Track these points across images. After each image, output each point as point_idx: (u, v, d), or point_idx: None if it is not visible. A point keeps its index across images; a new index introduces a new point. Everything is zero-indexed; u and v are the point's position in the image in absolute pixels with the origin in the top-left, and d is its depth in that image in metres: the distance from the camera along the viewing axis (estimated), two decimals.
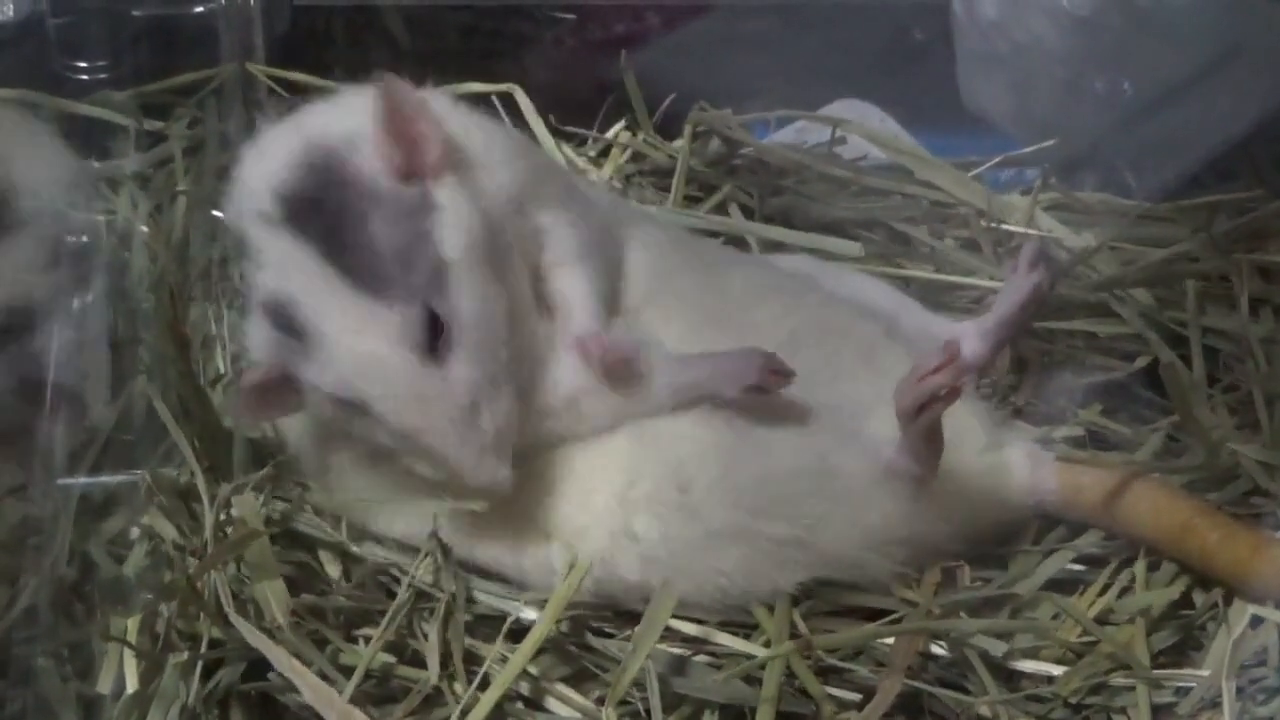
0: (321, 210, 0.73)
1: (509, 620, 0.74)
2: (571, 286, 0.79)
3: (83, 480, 0.80)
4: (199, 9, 1.14)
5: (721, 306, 0.82)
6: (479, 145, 0.78)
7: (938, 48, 1.20)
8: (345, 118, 0.76)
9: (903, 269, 0.98)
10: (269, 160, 0.76)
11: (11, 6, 1.10)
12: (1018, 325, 0.86)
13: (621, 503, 0.75)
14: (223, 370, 0.91)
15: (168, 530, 0.78)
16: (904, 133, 1.16)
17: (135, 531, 0.79)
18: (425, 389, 0.72)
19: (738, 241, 1.00)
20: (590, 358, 0.76)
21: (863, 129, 1.10)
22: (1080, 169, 1.10)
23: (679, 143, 1.09)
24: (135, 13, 1.15)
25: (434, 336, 0.72)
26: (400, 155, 0.74)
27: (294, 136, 0.76)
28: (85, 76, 1.11)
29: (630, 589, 0.75)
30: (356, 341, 0.72)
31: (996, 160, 1.08)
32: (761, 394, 0.75)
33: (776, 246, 0.99)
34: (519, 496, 0.75)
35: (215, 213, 1.02)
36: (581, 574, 0.72)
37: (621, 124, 1.12)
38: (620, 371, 0.76)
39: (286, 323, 0.73)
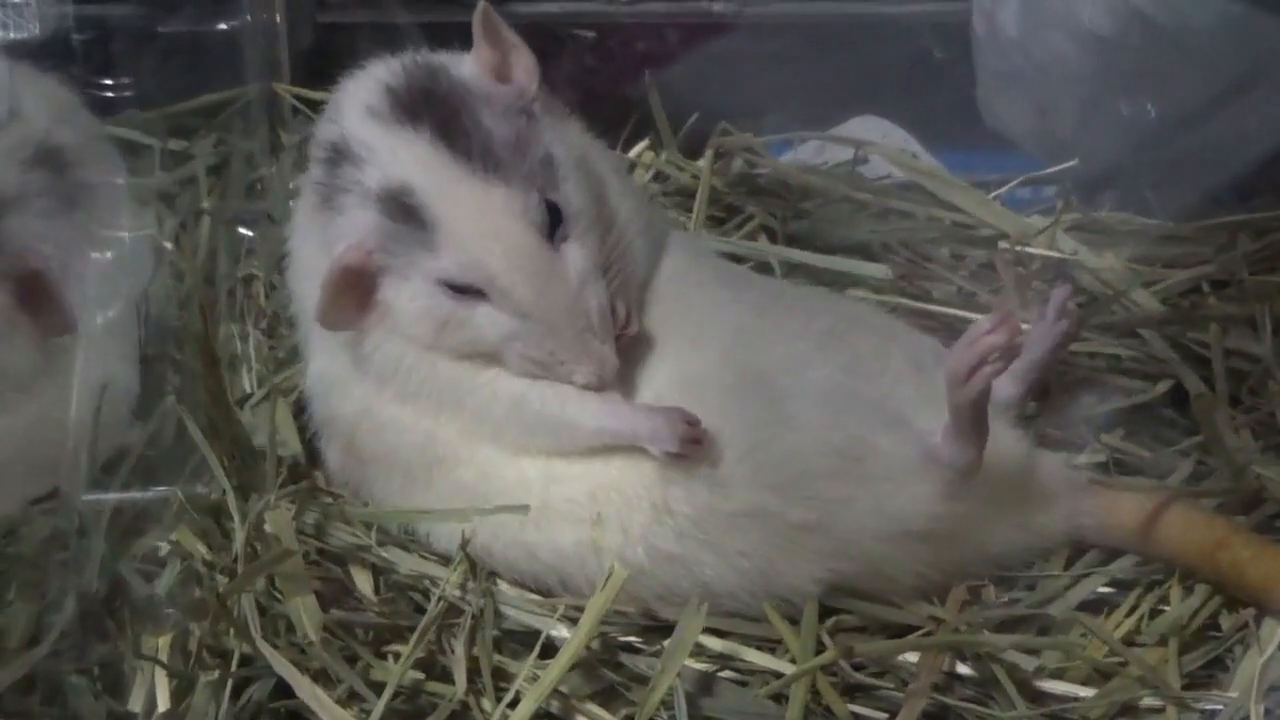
0: (431, 102, 0.78)
1: (541, 637, 0.74)
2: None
3: (113, 497, 0.80)
4: (223, 26, 1.15)
5: (742, 308, 0.83)
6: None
7: (958, 66, 1.20)
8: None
9: (929, 293, 0.98)
10: (373, 70, 0.81)
11: (37, 24, 1.11)
12: (1048, 369, 0.87)
13: (661, 471, 0.76)
14: (249, 389, 0.92)
15: (198, 548, 0.79)
16: (924, 151, 1.16)
17: (165, 549, 0.79)
18: (545, 267, 0.76)
19: (761, 265, 1.00)
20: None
21: (883, 149, 1.10)
22: (1101, 189, 1.10)
23: (702, 162, 1.09)
24: (160, 30, 1.15)
25: (552, 223, 0.77)
26: (496, 58, 0.80)
27: (393, 59, 0.81)
28: (110, 94, 1.12)
29: (673, 560, 0.76)
30: (483, 219, 0.76)
31: (1018, 180, 1.08)
32: (680, 458, 0.76)
33: (799, 269, 0.99)
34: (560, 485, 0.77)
35: (242, 230, 1.03)
36: (619, 583, 0.72)
37: (644, 143, 1.13)
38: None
39: (403, 212, 0.76)
